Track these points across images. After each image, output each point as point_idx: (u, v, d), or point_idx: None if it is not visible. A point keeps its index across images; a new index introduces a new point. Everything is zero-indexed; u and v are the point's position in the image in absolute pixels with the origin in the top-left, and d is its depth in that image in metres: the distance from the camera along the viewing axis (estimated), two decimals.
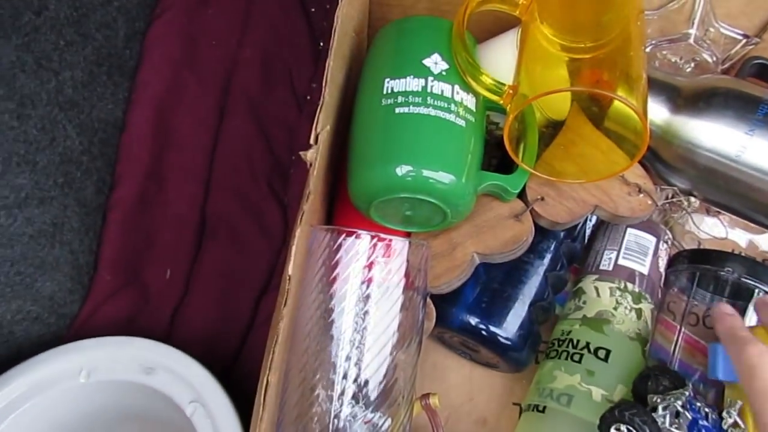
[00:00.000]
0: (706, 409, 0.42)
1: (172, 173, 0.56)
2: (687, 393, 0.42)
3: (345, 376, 0.42)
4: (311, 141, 0.42)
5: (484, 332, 0.50)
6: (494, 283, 0.51)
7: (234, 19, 0.62)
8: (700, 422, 0.41)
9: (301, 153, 0.42)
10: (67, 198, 0.49)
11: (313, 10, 0.65)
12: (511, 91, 0.45)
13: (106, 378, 0.46)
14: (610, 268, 0.52)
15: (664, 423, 0.42)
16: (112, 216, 0.53)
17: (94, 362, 0.46)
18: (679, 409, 0.42)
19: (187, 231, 0.56)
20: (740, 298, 0.54)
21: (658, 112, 0.48)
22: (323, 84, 0.43)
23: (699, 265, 0.53)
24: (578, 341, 0.49)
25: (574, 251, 0.54)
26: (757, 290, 0.51)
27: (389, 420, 0.43)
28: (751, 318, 0.51)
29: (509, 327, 0.50)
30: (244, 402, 0.45)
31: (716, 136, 0.47)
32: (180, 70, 0.57)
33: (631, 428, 0.41)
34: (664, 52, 0.52)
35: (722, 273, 0.52)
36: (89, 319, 0.50)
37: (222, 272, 0.56)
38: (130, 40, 0.56)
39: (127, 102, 0.55)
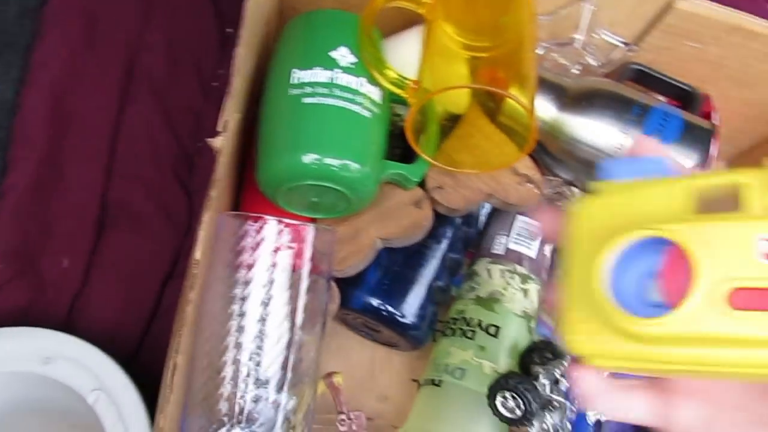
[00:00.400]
0: None
1: (71, 159, 0.54)
2: (565, 363, 0.47)
3: (250, 358, 0.43)
4: (219, 128, 0.43)
5: (384, 313, 0.52)
6: (395, 266, 0.54)
7: (138, 1, 0.60)
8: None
9: (208, 140, 0.43)
10: None
11: None
12: (414, 86, 0.47)
13: (1, 370, 0.44)
14: (502, 252, 0.56)
15: (544, 390, 0.46)
16: (5, 203, 0.51)
17: None
18: (558, 377, 0.46)
19: (87, 219, 0.55)
20: None
21: (546, 109, 0.53)
22: (231, 72, 0.44)
23: None
24: (471, 319, 0.53)
25: (470, 236, 0.58)
26: None
27: (294, 399, 0.44)
28: None
29: (409, 308, 0.53)
30: (150, 388, 0.45)
31: (596, 133, 0.51)
32: (80, 50, 0.56)
33: (515, 395, 0.45)
34: (554, 55, 0.57)
35: None
36: None
37: (124, 260, 0.55)
38: (23, 16, 0.54)
39: (20, 82, 0.53)
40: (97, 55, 0.57)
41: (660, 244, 0.25)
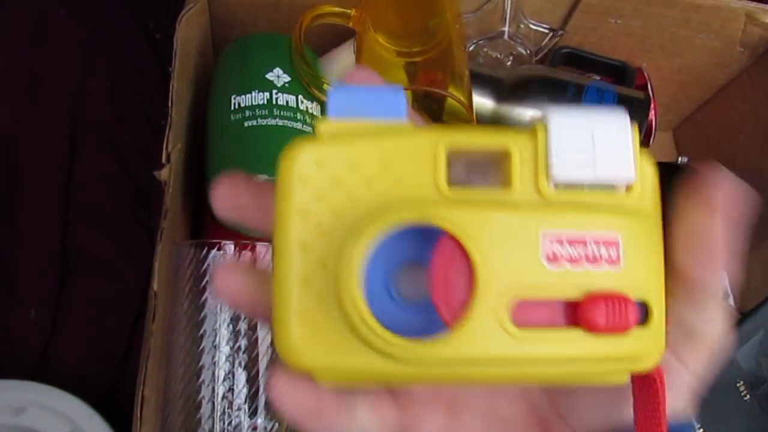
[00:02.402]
0: None
1: (24, 213, 0.55)
2: None
3: (223, 382, 0.43)
4: (163, 160, 0.43)
5: None
6: None
7: (77, 51, 0.61)
8: None
9: (155, 173, 0.44)
10: None
11: (158, 36, 0.65)
12: None
13: None
14: None
15: None
16: None
17: None
18: None
19: (48, 268, 0.55)
20: None
21: (486, 102, 0.54)
22: (169, 104, 0.45)
23: None
24: None
25: None
26: None
27: (270, 422, 0.44)
28: None
29: None
30: (127, 430, 0.45)
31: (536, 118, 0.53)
32: (22, 106, 0.56)
33: None
34: (485, 50, 0.58)
35: None
36: None
37: (91, 305, 0.55)
38: None
39: None
40: (40, 108, 0.57)
41: (421, 231, 0.18)
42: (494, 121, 0.54)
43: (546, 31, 0.58)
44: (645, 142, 0.55)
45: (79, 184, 0.58)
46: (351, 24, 0.52)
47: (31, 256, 0.54)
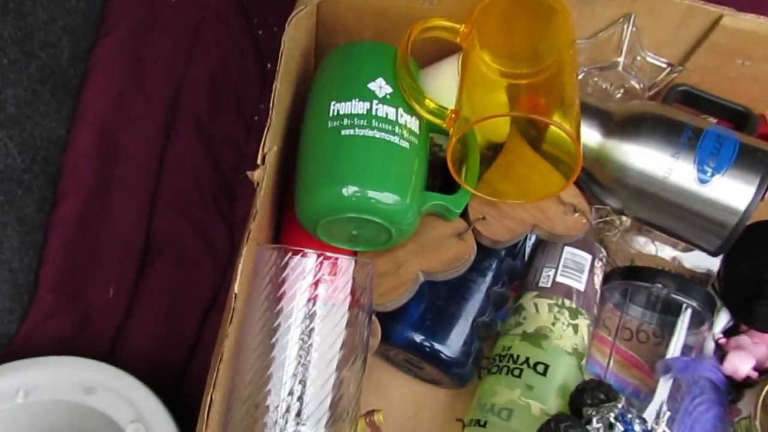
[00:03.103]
0: (637, 421, 0.44)
1: (117, 192, 0.56)
2: (620, 405, 0.44)
3: (290, 393, 0.42)
4: (258, 161, 0.43)
5: (428, 349, 0.51)
6: (438, 300, 0.52)
7: (181, 40, 0.62)
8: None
9: (248, 173, 0.43)
10: (7, 216, 0.48)
11: (260, 32, 0.66)
12: (453, 115, 0.47)
13: (45, 398, 0.45)
14: (549, 285, 0.54)
15: None
16: (53, 234, 0.52)
17: (32, 382, 0.45)
18: (612, 420, 0.44)
19: (131, 250, 0.56)
20: (670, 313, 0.57)
21: (591, 135, 0.51)
22: (270, 105, 0.44)
23: (631, 282, 0.55)
24: (518, 356, 0.51)
25: (515, 269, 0.56)
26: (684, 305, 0.54)
27: None
28: (680, 332, 0.54)
29: (453, 344, 0.51)
30: (187, 422, 0.45)
31: (645, 158, 0.49)
32: (126, 88, 0.57)
33: None
34: (596, 79, 0.55)
35: (653, 289, 0.55)
36: (28, 338, 0.49)
37: (167, 291, 0.56)
38: (75, 59, 0.56)
39: (71, 120, 0.55)
40: (142, 92, 0.58)
41: None
42: (598, 157, 0.51)
43: (663, 65, 0.54)
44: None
45: (170, 170, 0.59)
46: (458, 40, 0.51)
47: (117, 236, 0.55)
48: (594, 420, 0.44)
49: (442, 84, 0.52)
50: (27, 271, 0.50)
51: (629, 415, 0.44)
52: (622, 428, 0.44)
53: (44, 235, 0.53)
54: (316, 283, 0.43)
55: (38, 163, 0.52)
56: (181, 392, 0.53)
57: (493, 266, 0.54)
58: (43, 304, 0.51)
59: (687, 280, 0.56)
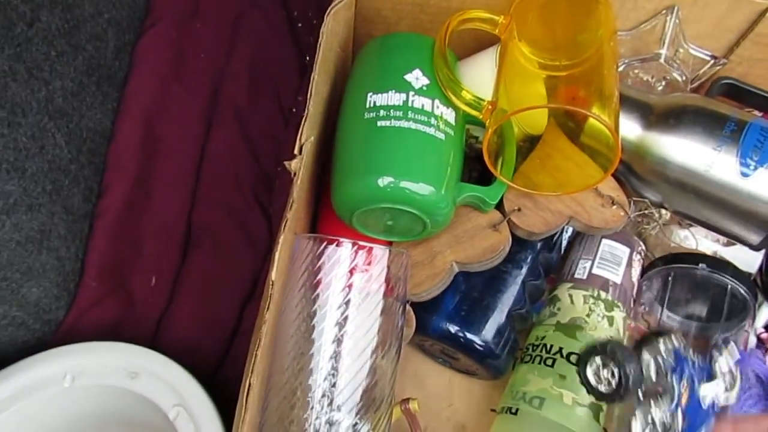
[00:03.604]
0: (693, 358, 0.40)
1: (159, 182, 0.57)
2: (675, 341, 0.39)
3: (326, 379, 0.43)
4: (295, 151, 0.44)
5: (462, 340, 0.51)
6: (473, 291, 0.52)
7: (222, 32, 0.63)
8: (686, 368, 0.39)
9: (285, 162, 0.44)
10: (54, 205, 0.50)
11: (300, 25, 0.66)
12: (490, 107, 0.47)
13: (90, 382, 0.46)
14: (585, 277, 0.54)
15: (649, 370, 0.38)
16: (99, 224, 0.54)
17: (78, 367, 0.47)
18: (667, 364, 0.38)
19: (173, 239, 0.57)
20: (713, 316, 0.55)
21: (630, 128, 0.50)
22: (308, 96, 0.45)
23: (673, 266, 0.54)
24: (551, 346, 0.51)
25: (551, 261, 0.56)
26: (729, 285, 0.52)
27: (368, 424, 0.44)
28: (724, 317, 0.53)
29: (487, 335, 0.51)
30: (227, 407, 0.46)
31: (686, 151, 0.49)
32: (168, 81, 0.59)
33: (612, 363, 0.37)
34: (636, 71, 0.55)
35: (696, 270, 0.53)
36: (75, 325, 0.51)
37: (207, 280, 0.57)
38: (120, 51, 0.57)
39: (115, 112, 0.56)
40: (184, 84, 0.59)
41: None
42: (638, 149, 0.50)
43: (707, 57, 0.53)
44: None
45: (210, 161, 0.60)
46: (497, 31, 0.51)
47: (159, 224, 0.56)
48: (648, 359, 0.38)
49: (480, 76, 0.52)
50: (73, 260, 0.52)
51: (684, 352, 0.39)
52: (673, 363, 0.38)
53: (90, 224, 0.54)
54: (351, 272, 0.44)
55: (84, 153, 0.53)
56: (221, 378, 0.54)
57: (529, 258, 0.54)
58: (88, 291, 0.52)
59: (728, 263, 0.54)
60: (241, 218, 0.59)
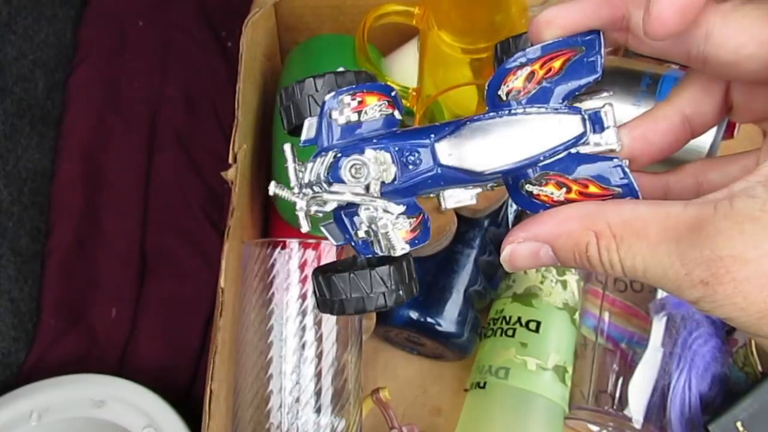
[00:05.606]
0: None
1: (108, 214, 0.57)
2: None
3: (297, 383, 0.43)
4: (230, 160, 0.44)
5: (424, 324, 0.52)
6: (428, 275, 0.53)
7: (153, 61, 0.64)
8: None
9: (222, 173, 0.45)
10: (1, 248, 0.50)
11: (229, 44, 0.68)
12: (414, 93, 0.48)
13: (57, 417, 0.46)
14: None
15: None
16: (50, 262, 0.54)
17: (44, 403, 0.47)
18: None
19: (129, 269, 0.57)
20: None
21: None
22: (236, 106, 0.46)
23: None
24: (510, 317, 0.52)
25: (500, 236, 0.57)
26: None
27: (343, 421, 0.44)
28: None
29: (448, 316, 0.52)
30: (201, 426, 0.46)
31: None
32: (104, 113, 0.59)
33: None
34: None
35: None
36: (37, 364, 0.51)
37: (168, 304, 0.57)
38: (51, 90, 0.58)
39: (54, 150, 0.57)
40: (121, 115, 0.60)
41: None
42: None
43: None
44: (728, 134, 0.52)
45: (156, 186, 0.60)
46: (414, 22, 0.52)
47: (113, 255, 0.57)
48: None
49: (406, 67, 0.53)
50: (28, 300, 0.52)
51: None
52: None
53: (41, 263, 0.54)
54: (303, 269, 0.45)
55: (26, 194, 0.53)
56: (194, 397, 0.54)
57: (478, 236, 0.55)
58: (47, 329, 0.52)
59: None
60: (194, 239, 0.59)
